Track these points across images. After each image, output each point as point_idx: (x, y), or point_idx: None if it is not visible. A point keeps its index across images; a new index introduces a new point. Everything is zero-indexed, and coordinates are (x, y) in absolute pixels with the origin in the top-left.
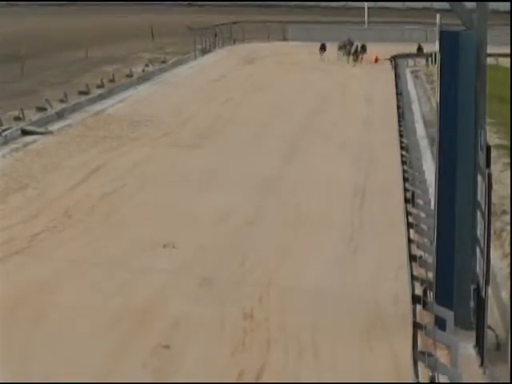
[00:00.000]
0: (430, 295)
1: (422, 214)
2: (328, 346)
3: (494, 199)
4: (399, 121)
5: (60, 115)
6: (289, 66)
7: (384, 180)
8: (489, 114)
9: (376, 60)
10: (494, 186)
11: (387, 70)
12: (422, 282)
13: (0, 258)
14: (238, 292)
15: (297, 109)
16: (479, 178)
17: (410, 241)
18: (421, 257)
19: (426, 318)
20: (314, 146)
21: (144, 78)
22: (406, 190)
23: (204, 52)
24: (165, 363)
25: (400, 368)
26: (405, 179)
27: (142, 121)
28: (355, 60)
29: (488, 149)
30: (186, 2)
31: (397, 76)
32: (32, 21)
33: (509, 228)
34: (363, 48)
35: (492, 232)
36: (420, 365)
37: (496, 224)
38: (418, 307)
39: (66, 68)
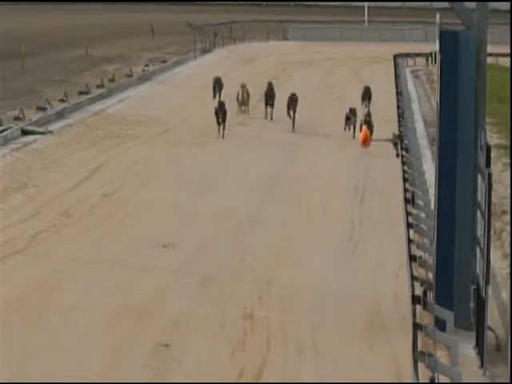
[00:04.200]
0: (430, 296)
1: (422, 214)
2: (328, 344)
3: (494, 199)
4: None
5: (60, 115)
6: (289, 65)
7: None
8: (489, 113)
9: (365, 140)
10: (494, 186)
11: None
12: (422, 282)
13: (0, 258)
14: (238, 290)
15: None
16: (479, 177)
17: (409, 241)
18: (421, 257)
19: (426, 318)
20: (315, 142)
21: (144, 78)
22: (405, 190)
23: (204, 51)
24: (165, 362)
25: (400, 367)
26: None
27: (142, 121)
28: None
29: (488, 149)
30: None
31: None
32: (32, 18)
33: (509, 228)
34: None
35: (492, 232)
36: (420, 365)
37: (496, 224)
38: (418, 307)
39: (65, 66)
